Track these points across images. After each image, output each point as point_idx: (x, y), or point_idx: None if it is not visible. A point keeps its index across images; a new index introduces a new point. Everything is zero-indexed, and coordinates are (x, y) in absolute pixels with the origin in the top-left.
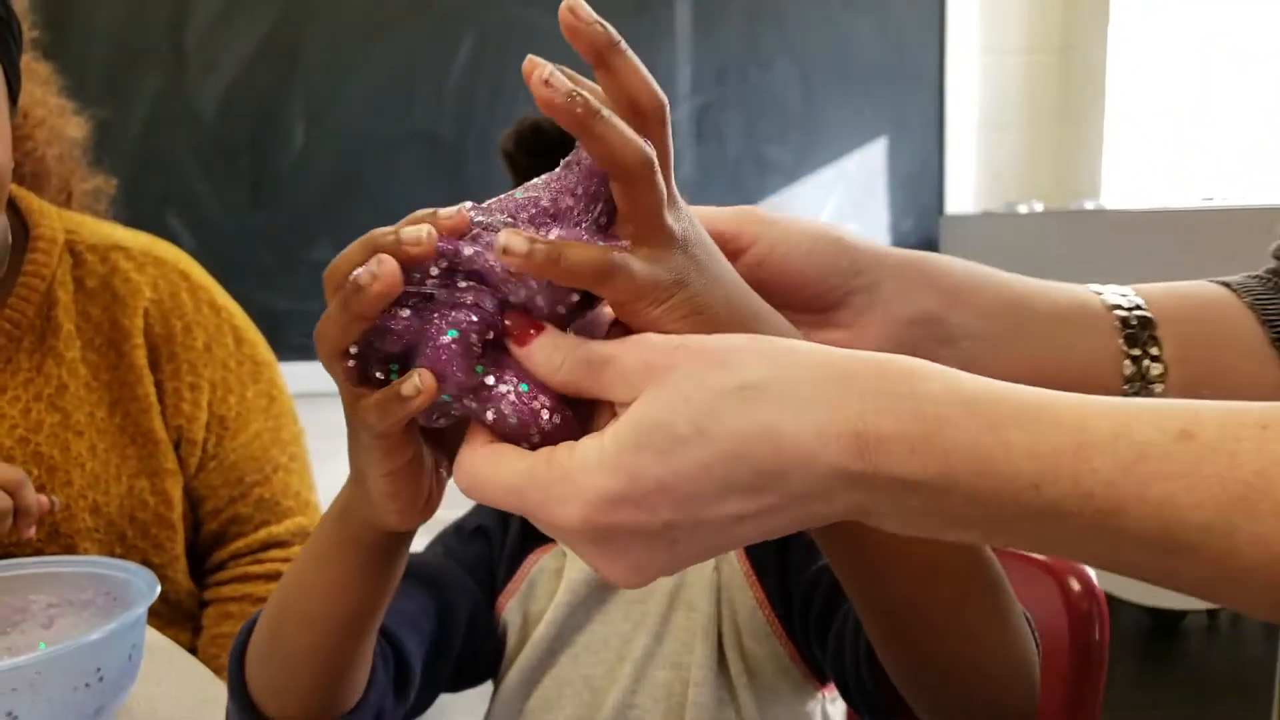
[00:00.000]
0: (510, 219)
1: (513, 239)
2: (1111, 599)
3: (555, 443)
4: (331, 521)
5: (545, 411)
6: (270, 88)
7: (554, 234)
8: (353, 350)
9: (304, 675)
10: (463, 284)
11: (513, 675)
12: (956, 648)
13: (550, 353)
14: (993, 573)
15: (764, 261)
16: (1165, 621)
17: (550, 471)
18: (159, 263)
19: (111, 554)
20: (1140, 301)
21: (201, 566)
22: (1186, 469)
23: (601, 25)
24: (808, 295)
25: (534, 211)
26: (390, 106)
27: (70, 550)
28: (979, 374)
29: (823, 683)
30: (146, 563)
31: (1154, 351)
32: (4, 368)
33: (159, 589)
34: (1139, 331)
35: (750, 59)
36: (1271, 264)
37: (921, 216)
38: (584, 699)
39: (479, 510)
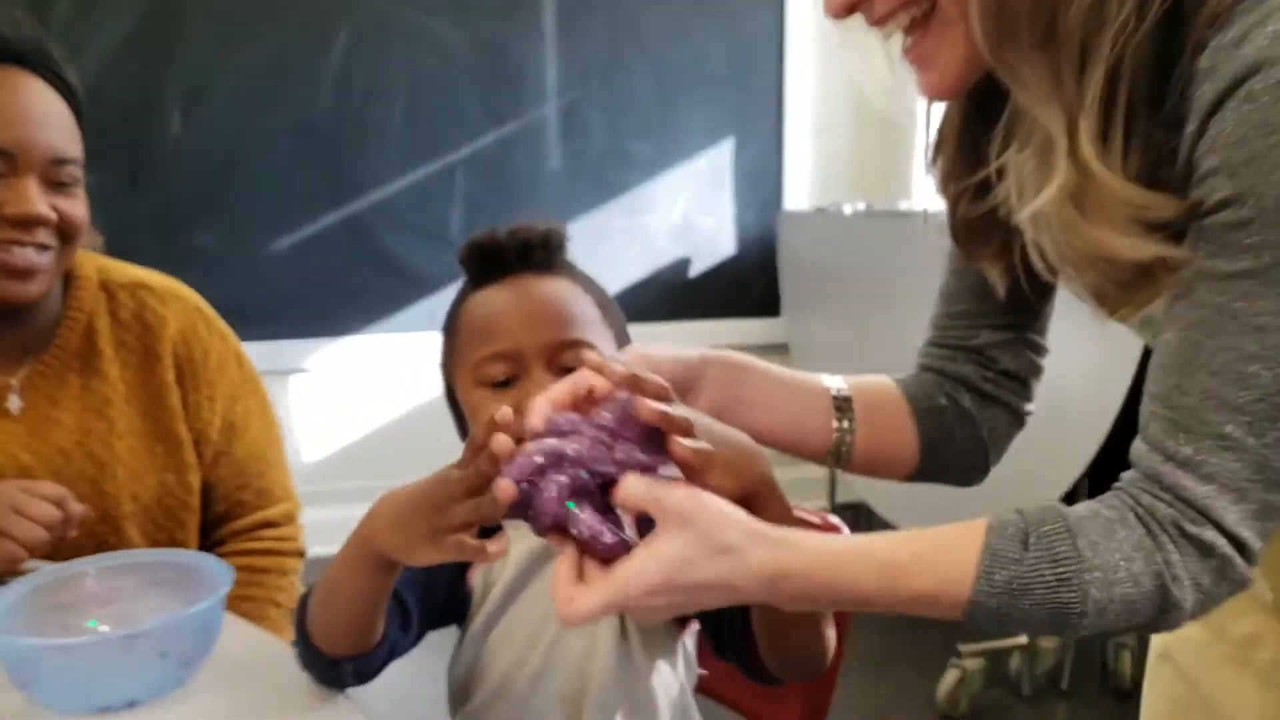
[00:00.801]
0: (598, 430)
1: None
2: None
3: (613, 556)
4: (358, 545)
5: (607, 534)
6: (142, 75)
7: (623, 446)
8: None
9: (345, 627)
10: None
11: (477, 621)
12: (807, 647)
13: (635, 484)
14: (829, 620)
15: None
16: None
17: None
18: (179, 299)
19: (146, 533)
20: (846, 386)
21: (206, 540)
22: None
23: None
24: (679, 388)
25: (607, 430)
26: (268, 97)
27: (117, 530)
28: (756, 421)
29: (684, 626)
30: (171, 540)
31: (850, 416)
32: (59, 385)
33: (234, 575)
34: (844, 403)
35: (612, 62)
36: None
37: (762, 211)
38: (528, 638)
39: None
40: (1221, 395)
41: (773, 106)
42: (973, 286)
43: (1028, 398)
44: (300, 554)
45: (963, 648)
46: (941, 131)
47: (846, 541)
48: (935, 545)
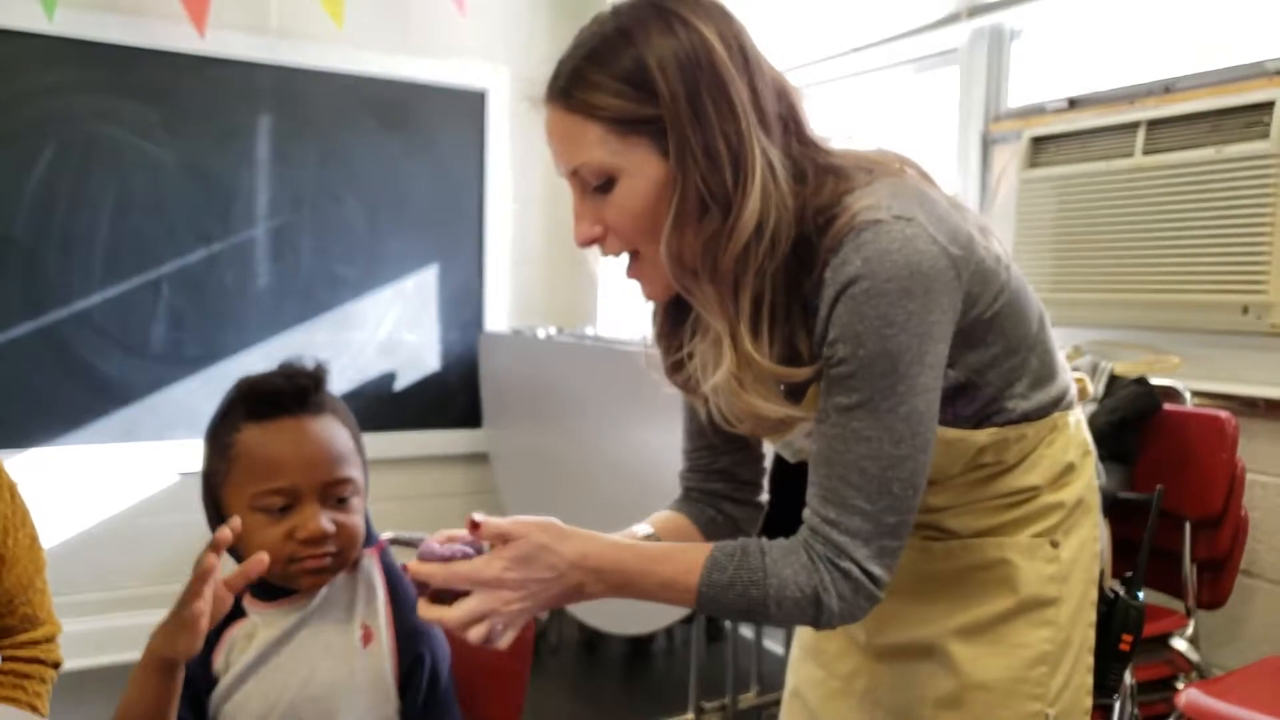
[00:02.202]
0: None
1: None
2: (600, 633)
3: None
4: (143, 657)
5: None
6: None
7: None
8: None
9: None
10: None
11: (217, 693)
12: None
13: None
14: None
15: None
16: (639, 644)
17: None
18: None
19: None
20: (650, 528)
21: None
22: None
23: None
24: None
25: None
26: None
27: None
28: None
29: None
30: None
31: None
32: None
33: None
34: (653, 540)
35: (322, 190)
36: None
37: (465, 331)
38: (266, 705)
39: None
40: (848, 479)
41: (475, 238)
42: (704, 427)
43: (762, 491)
44: (57, 665)
45: None
46: (653, 320)
47: (624, 542)
48: (683, 548)
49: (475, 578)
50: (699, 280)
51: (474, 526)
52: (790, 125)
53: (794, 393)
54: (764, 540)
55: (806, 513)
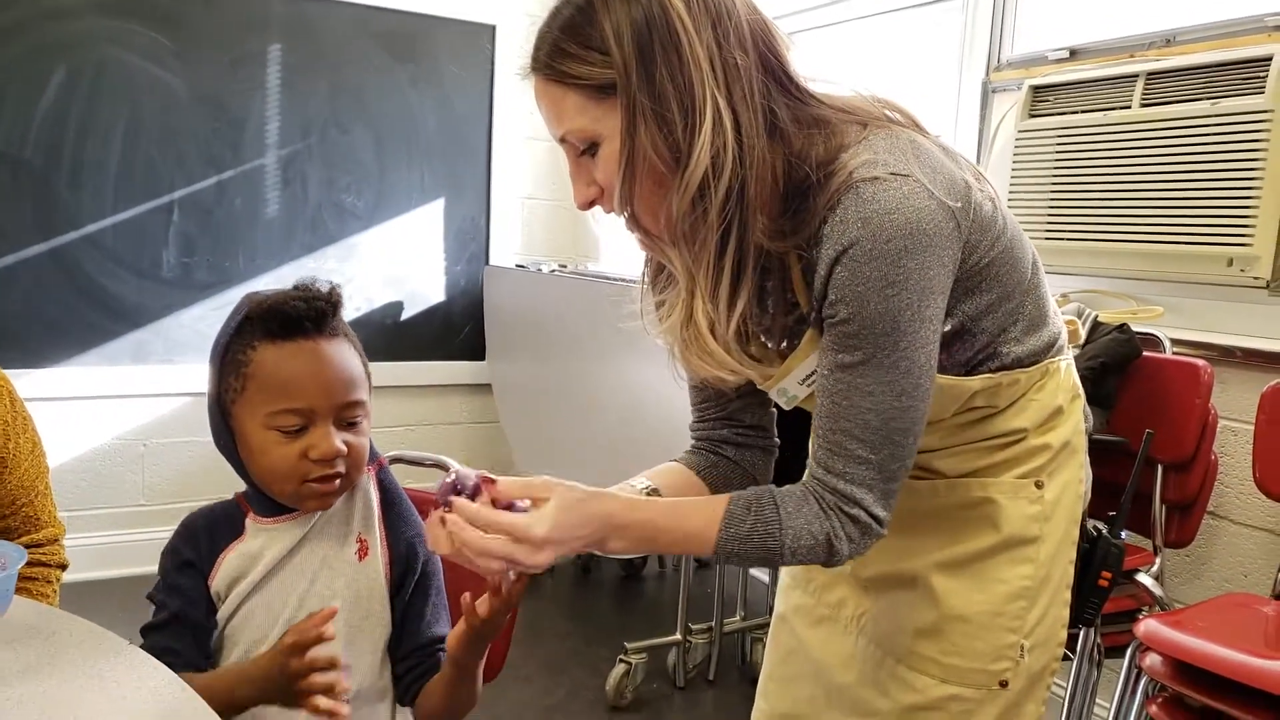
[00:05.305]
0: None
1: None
2: (595, 556)
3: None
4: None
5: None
6: None
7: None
8: None
9: None
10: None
11: (221, 611)
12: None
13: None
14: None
15: None
16: (632, 569)
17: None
18: None
19: None
20: (649, 482)
21: None
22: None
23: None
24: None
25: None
26: None
27: None
28: None
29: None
30: None
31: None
32: None
33: (26, 555)
34: (654, 493)
35: (332, 121)
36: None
37: (470, 264)
38: (267, 620)
39: (180, 548)
40: (853, 433)
41: (482, 173)
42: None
43: (772, 435)
44: (63, 566)
45: (629, 645)
46: (644, 273)
47: (642, 500)
48: (701, 503)
49: (523, 534)
50: (662, 240)
51: (489, 483)
52: (774, 76)
53: (792, 336)
54: (775, 490)
55: (812, 463)
